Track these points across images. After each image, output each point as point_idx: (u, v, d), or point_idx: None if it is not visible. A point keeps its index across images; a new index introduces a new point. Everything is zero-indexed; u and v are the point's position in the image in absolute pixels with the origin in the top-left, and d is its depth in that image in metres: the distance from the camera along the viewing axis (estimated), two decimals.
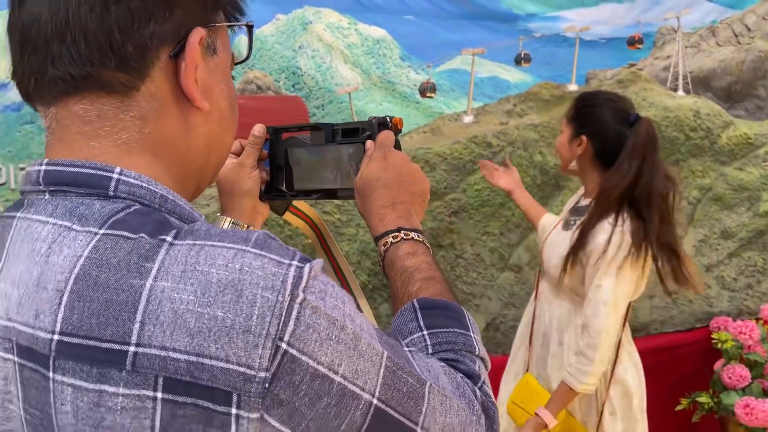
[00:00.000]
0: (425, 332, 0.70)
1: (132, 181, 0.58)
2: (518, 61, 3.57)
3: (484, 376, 0.69)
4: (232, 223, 0.93)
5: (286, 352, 0.51)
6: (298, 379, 0.51)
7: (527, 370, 2.08)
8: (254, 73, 3.37)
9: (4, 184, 3.45)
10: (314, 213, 1.05)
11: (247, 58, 0.74)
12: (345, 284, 1.01)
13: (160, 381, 0.50)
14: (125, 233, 0.54)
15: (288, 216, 1.04)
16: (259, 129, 0.94)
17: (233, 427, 0.51)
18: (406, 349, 0.62)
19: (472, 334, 0.71)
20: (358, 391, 0.55)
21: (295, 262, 0.53)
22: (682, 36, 3.69)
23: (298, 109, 2.69)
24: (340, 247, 2.70)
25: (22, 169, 3.32)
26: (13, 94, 3.47)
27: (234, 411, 0.50)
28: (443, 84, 4.01)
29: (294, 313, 0.51)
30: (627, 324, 2.02)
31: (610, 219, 1.80)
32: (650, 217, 1.79)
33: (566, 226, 2.01)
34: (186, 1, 0.60)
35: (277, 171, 0.97)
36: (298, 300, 0.52)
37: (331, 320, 0.53)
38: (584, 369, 1.78)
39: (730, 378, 2.57)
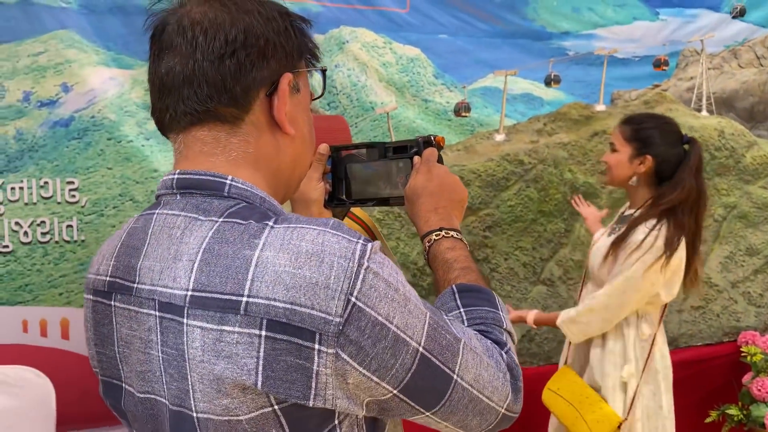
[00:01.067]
0: (462, 309, 0.86)
1: (240, 185, 0.78)
2: (548, 82, 3.68)
3: (510, 344, 0.85)
4: None
5: (354, 304, 0.68)
6: (363, 324, 0.68)
7: (566, 363, 2.29)
8: None
9: (51, 197, 3.58)
10: (367, 217, 1.24)
11: (322, 94, 0.94)
12: None
13: (264, 322, 0.67)
14: (238, 220, 0.73)
15: (347, 221, 1.20)
16: (323, 148, 1.13)
17: (316, 359, 0.67)
18: (445, 316, 0.79)
19: (500, 313, 0.87)
20: (408, 339, 0.71)
21: (361, 241, 0.71)
22: (705, 58, 3.79)
23: (341, 127, 2.82)
24: None
25: (69, 182, 3.45)
26: (62, 110, 3.57)
27: (317, 347, 0.67)
28: (476, 101, 4.12)
29: (361, 275, 0.69)
30: (662, 325, 2.26)
31: (650, 223, 2.07)
32: (691, 226, 2.09)
33: (611, 233, 2.23)
34: (279, 54, 0.80)
35: (338, 183, 1.14)
36: (364, 267, 0.69)
37: (387, 283, 0.70)
38: (571, 314, 2.16)
39: (759, 390, 2.64)
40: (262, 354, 0.67)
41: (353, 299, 0.68)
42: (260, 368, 0.67)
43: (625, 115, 2.38)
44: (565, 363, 2.31)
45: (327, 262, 0.68)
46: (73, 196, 3.43)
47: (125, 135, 3.50)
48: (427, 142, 1.06)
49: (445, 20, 3.98)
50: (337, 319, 0.67)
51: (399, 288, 0.71)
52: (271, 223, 0.72)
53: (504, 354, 0.82)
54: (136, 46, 3.46)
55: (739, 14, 3.79)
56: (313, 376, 0.68)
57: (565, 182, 3.18)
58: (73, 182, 3.45)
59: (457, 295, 0.88)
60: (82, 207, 3.44)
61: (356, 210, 1.23)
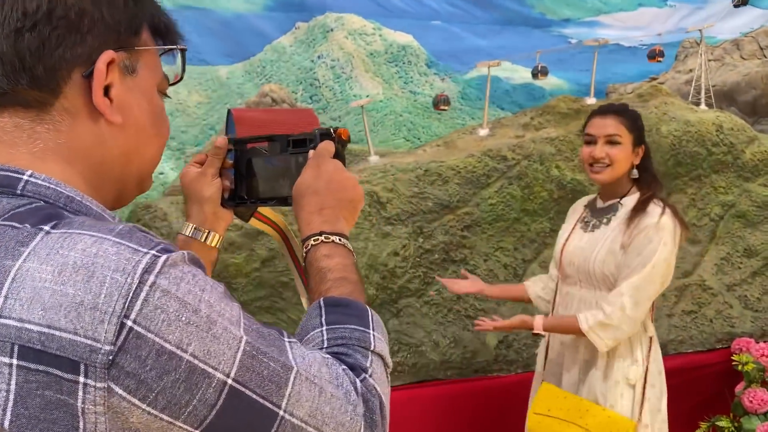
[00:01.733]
0: (324, 328, 0.75)
1: (40, 182, 0.67)
2: (534, 74, 3.52)
3: (374, 369, 0.74)
4: (194, 228, 1.02)
5: (131, 329, 0.57)
6: (144, 353, 0.57)
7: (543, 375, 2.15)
8: (270, 86, 3.38)
9: None
10: (279, 218, 1.12)
11: (181, 78, 0.82)
12: (306, 284, 1.08)
13: (16, 349, 0.57)
14: (14, 223, 0.62)
15: (254, 222, 1.10)
16: (220, 141, 1.02)
17: (80, 394, 0.57)
18: (286, 339, 0.68)
19: (371, 332, 0.77)
20: (209, 369, 0.60)
21: (152, 251, 0.60)
22: (705, 48, 3.61)
23: (311, 121, 2.69)
24: None
25: None
26: None
27: (81, 379, 0.57)
28: (470, 92, 3.94)
29: (142, 294, 0.58)
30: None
31: (655, 206, 2.01)
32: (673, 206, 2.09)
33: (592, 228, 2.12)
34: (98, 27, 0.69)
35: (240, 179, 1.05)
36: (148, 283, 0.58)
37: (183, 303, 0.59)
38: (599, 318, 1.94)
39: (751, 402, 2.48)
40: (13, 387, 0.57)
41: (129, 323, 0.57)
42: (10, 405, 0.57)
43: (600, 107, 2.23)
44: (542, 376, 2.17)
45: (98, 277, 0.57)
46: None
47: None
48: (325, 134, 0.97)
49: (440, 6, 3.81)
50: (107, 347, 0.56)
51: (200, 309, 0.60)
52: (47, 228, 0.61)
53: (358, 382, 0.71)
54: None
55: (742, 3, 3.61)
56: (79, 414, 0.57)
57: (551, 179, 3.03)
58: None
59: (323, 311, 0.77)
60: None
61: (267, 210, 1.12)
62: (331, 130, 0.97)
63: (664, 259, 1.94)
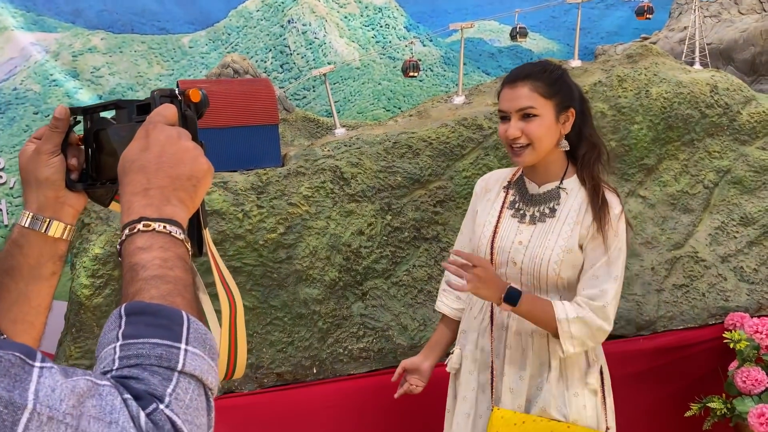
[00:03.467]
0: (118, 343, 0.60)
1: None
2: (513, 36, 3.29)
3: (178, 397, 0.57)
4: (32, 217, 0.86)
5: None
6: None
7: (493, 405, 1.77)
8: (232, 56, 3.17)
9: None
10: None
11: None
12: None
13: None
14: None
15: (115, 206, 0.92)
16: (59, 111, 0.86)
17: None
18: (37, 365, 0.52)
19: (182, 346, 0.60)
20: None
21: None
22: (699, 4, 3.38)
23: (266, 92, 2.49)
24: (308, 242, 2.49)
25: None
26: None
27: None
28: (454, 57, 3.70)
29: None
30: None
31: (609, 188, 1.76)
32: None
33: (532, 219, 1.77)
34: None
35: (90, 156, 0.88)
36: None
37: None
38: (583, 314, 1.65)
39: (744, 382, 2.31)
40: None
41: None
42: None
43: (510, 73, 1.80)
44: (494, 402, 1.76)
45: None
46: (0, 177, 3.19)
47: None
48: (167, 96, 0.80)
49: None
50: None
51: None
52: None
53: (143, 416, 0.54)
54: (60, 5, 3.15)
55: None
56: None
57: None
58: None
59: (123, 321, 0.61)
60: (11, 189, 3.20)
61: None
62: (176, 92, 0.80)
63: (623, 250, 1.71)
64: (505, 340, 1.76)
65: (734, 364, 2.44)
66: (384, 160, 2.62)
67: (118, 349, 0.59)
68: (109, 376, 0.57)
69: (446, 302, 1.98)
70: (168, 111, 0.77)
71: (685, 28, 3.55)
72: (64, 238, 0.89)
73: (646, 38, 3.61)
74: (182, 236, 0.71)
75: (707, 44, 3.42)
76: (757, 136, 3.12)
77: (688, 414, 2.47)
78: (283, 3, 3.40)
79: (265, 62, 3.39)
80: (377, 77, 3.54)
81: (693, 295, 2.75)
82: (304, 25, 3.42)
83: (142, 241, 0.68)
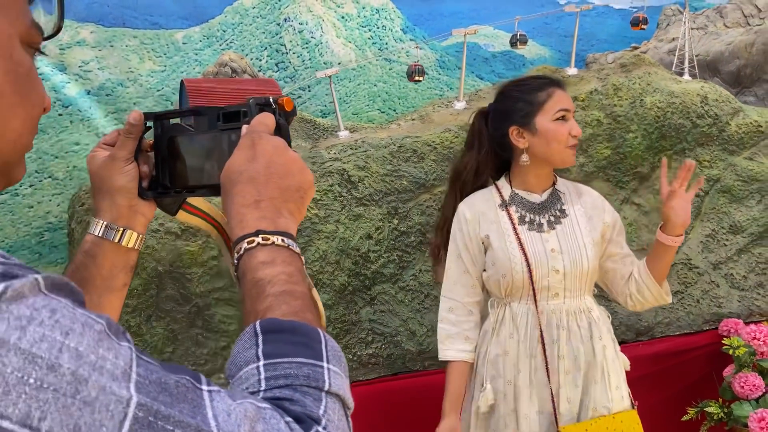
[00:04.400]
0: (261, 363, 0.57)
1: None
2: (513, 43, 3.32)
3: (330, 419, 0.55)
4: (105, 226, 0.83)
5: None
6: None
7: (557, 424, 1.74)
8: (229, 54, 3.11)
9: None
10: (214, 209, 0.92)
11: (57, 32, 0.62)
12: None
13: None
14: None
15: (182, 215, 0.91)
16: (134, 116, 0.83)
17: None
18: (205, 388, 0.50)
19: (325, 365, 0.58)
20: None
21: None
22: (688, 16, 3.46)
23: (272, 92, 2.44)
24: (317, 246, 2.45)
25: None
26: None
27: None
28: (448, 61, 3.69)
29: None
30: None
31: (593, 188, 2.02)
32: None
33: (549, 225, 1.84)
34: None
35: (162, 163, 0.86)
36: None
37: (29, 358, 0.41)
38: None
39: (742, 387, 2.37)
40: None
41: None
42: None
43: (554, 78, 1.93)
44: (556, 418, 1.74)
45: None
46: None
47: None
48: (264, 104, 0.77)
49: None
50: None
51: (61, 363, 0.42)
52: None
53: None
54: None
55: None
56: None
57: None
58: None
59: (259, 339, 0.59)
60: None
61: (198, 200, 0.91)
62: (271, 100, 0.78)
63: None
64: (558, 351, 1.76)
65: (730, 368, 2.51)
66: (390, 164, 2.60)
67: (262, 369, 0.57)
68: (260, 397, 0.54)
69: (455, 347, 1.85)
70: (269, 120, 0.75)
71: (673, 39, 3.63)
72: (136, 248, 0.86)
73: (636, 48, 3.68)
74: (298, 249, 0.69)
75: (695, 56, 3.51)
76: (745, 146, 3.21)
77: (685, 418, 2.53)
78: (279, 1, 3.34)
79: (260, 60, 3.32)
80: (373, 79, 3.51)
81: (688, 302, 2.82)
82: (300, 23, 3.37)
83: (263, 256, 0.66)
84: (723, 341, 2.50)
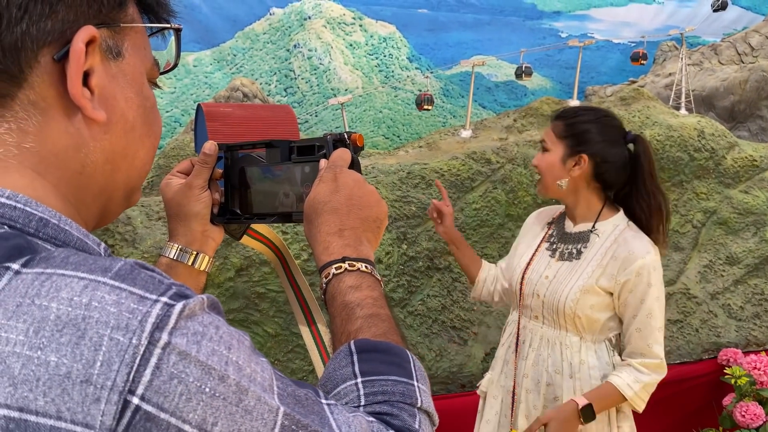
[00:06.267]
0: (359, 380, 0.61)
1: (4, 201, 0.50)
2: (518, 75, 3.41)
3: (425, 431, 0.61)
4: (180, 249, 0.88)
5: (138, 408, 0.43)
6: None
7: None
8: (240, 79, 3.15)
9: None
10: (275, 236, 0.99)
11: (175, 66, 0.66)
12: (308, 313, 0.97)
13: None
14: None
15: (246, 240, 0.96)
16: (209, 147, 0.87)
17: None
18: (324, 401, 0.54)
19: (415, 384, 0.62)
20: None
21: (164, 298, 0.45)
22: (685, 53, 3.57)
23: (287, 118, 2.49)
24: None
25: None
26: None
27: None
28: (452, 89, 3.78)
29: (153, 360, 0.43)
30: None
31: (635, 229, 1.77)
32: (660, 239, 1.79)
33: (561, 257, 1.83)
34: None
35: (232, 192, 0.91)
36: (160, 344, 0.44)
37: (205, 369, 0.45)
38: (642, 379, 1.72)
39: (743, 416, 2.41)
40: None
41: (135, 400, 0.43)
42: None
43: (557, 109, 1.98)
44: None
45: (91, 336, 0.43)
46: None
47: None
48: (339, 140, 0.82)
49: None
50: None
51: (228, 375, 0.46)
52: (16, 266, 0.46)
53: None
54: None
55: (721, 8, 3.57)
56: None
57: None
58: None
59: (355, 357, 0.63)
60: None
61: (261, 227, 0.97)
62: (345, 136, 0.82)
63: (660, 298, 1.75)
64: (524, 369, 1.83)
65: (730, 397, 2.55)
66: (399, 190, 2.65)
67: (361, 386, 0.60)
68: (364, 413, 0.58)
69: (484, 272, 2.02)
70: (346, 155, 0.80)
71: (669, 74, 3.74)
72: (206, 270, 0.90)
73: (633, 81, 3.79)
74: (379, 276, 0.74)
75: (691, 90, 3.61)
76: (740, 180, 3.31)
77: None
78: (290, 27, 3.41)
79: (270, 85, 3.38)
80: (378, 105, 3.59)
81: (687, 331, 2.87)
82: (309, 50, 3.44)
83: (351, 281, 0.70)
84: (725, 370, 2.55)
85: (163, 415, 0.43)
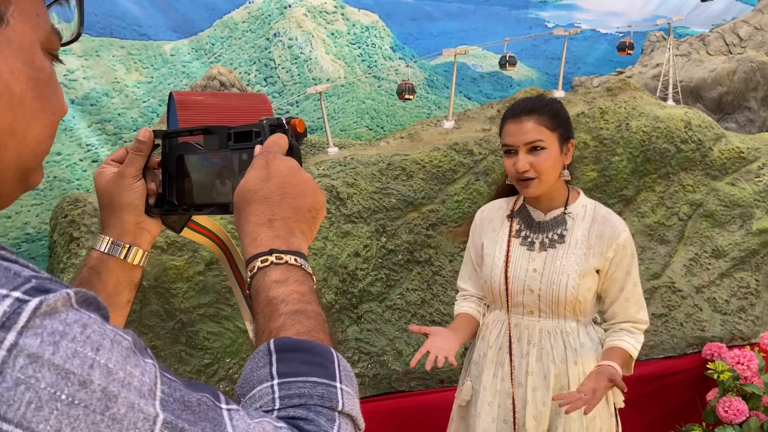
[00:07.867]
0: (275, 381, 0.57)
1: None
2: (502, 64, 3.35)
3: None
4: (111, 242, 0.83)
5: None
6: None
7: None
8: (218, 68, 3.09)
9: None
10: (219, 228, 0.94)
11: (76, 38, 0.61)
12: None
13: None
14: None
15: (187, 233, 0.92)
16: (143, 134, 0.83)
17: None
18: (224, 407, 0.50)
19: (338, 385, 0.58)
20: None
21: (16, 293, 0.41)
22: (673, 43, 3.52)
23: (263, 107, 2.44)
24: None
25: None
26: None
27: None
28: (437, 80, 3.72)
29: None
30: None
31: (607, 209, 1.85)
32: None
33: (542, 246, 1.80)
34: None
35: (169, 181, 0.86)
36: (5, 345, 0.40)
37: (62, 373, 0.41)
38: (639, 339, 1.81)
39: (726, 412, 2.38)
40: None
41: None
42: None
43: (511, 107, 1.84)
44: None
45: None
46: None
47: None
48: (277, 125, 0.78)
49: None
50: None
51: (91, 380, 0.42)
52: None
53: None
54: None
55: None
56: None
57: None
58: None
59: (273, 357, 0.59)
60: None
61: (204, 219, 0.92)
62: (284, 121, 0.78)
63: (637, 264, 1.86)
64: (527, 366, 1.78)
65: (713, 392, 2.52)
66: (379, 182, 2.59)
67: (276, 388, 0.57)
68: (274, 416, 0.54)
69: (467, 305, 1.94)
70: (282, 141, 0.75)
71: (657, 64, 3.69)
72: (141, 264, 0.85)
73: (621, 72, 3.74)
74: (311, 269, 0.69)
75: (678, 81, 3.57)
76: (727, 172, 3.26)
77: None
78: (269, 16, 3.34)
79: (249, 74, 3.31)
80: (361, 96, 3.52)
81: (672, 325, 2.83)
82: (290, 39, 3.37)
83: (277, 275, 0.66)
84: (707, 365, 2.51)
85: (5, 426, 0.39)
